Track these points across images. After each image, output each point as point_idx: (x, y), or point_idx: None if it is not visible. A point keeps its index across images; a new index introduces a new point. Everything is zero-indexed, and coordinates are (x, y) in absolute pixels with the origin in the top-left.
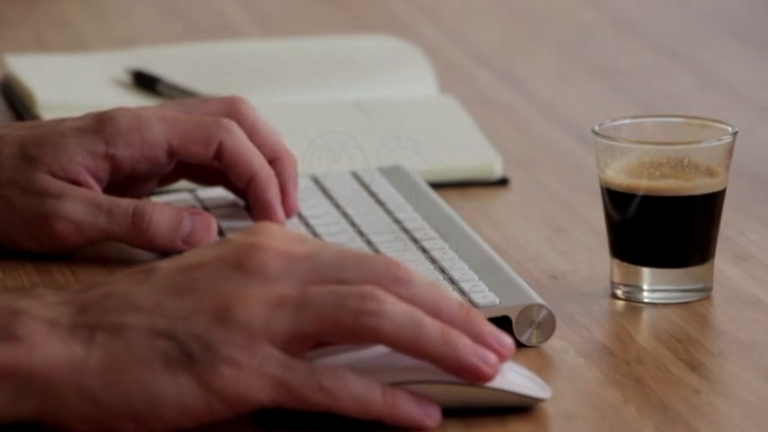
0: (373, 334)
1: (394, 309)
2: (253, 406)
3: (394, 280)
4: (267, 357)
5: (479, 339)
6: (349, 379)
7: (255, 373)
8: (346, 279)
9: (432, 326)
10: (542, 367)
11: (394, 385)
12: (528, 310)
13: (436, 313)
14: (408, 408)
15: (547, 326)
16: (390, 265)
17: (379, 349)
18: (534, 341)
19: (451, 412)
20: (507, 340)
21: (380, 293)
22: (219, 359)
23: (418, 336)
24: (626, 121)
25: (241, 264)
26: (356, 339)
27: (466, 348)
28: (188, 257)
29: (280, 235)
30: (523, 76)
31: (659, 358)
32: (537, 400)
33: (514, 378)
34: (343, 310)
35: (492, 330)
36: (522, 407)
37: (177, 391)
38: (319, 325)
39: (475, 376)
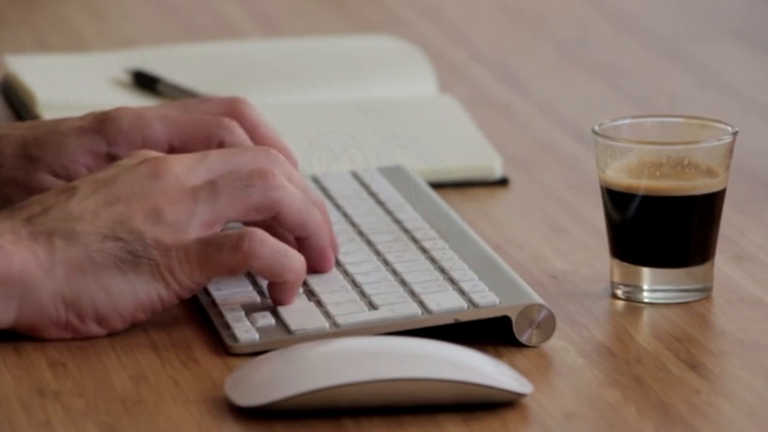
0: (278, 205)
1: (287, 183)
2: (196, 289)
3: (274, 162)
4: (191, 243)
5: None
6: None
7: (186, 260)
8: (238, 166)
9: (315, 198)
10: (542, 367)
11: (395, 381)
12: (528, 310)
13: (305, 189)
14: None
15: (547, 326)
16: (267, 151)
17: (379, 343)
18: (534, 341)
19: (451, 412)
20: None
21: (274, 170)
22: (158, 253)
23: (308, 205)
24: (626, 121)
25: (154, 173)
26: (263, 213)
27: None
28: (101, 174)
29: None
30: (523, 76)
31: (659, 358)
32: (521, 395)
33: (498, 376)
34: (252, 189)
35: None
36: (520, 406)
37: (131, 286)
38: (234, 208)
39: (329, 257)
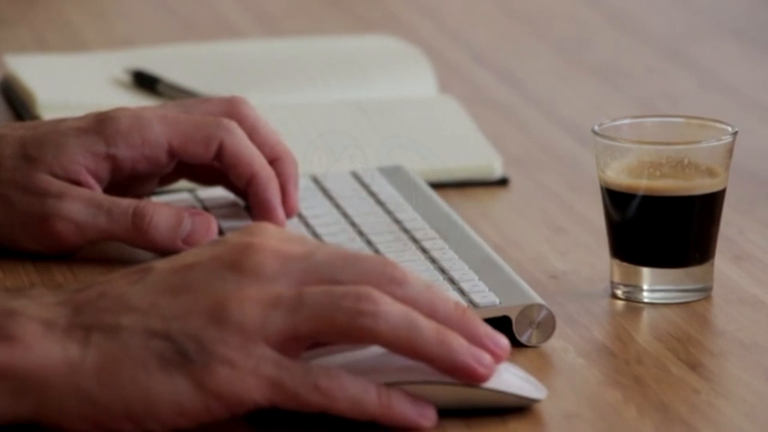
0: (369, 334)
1: (390, 309)
2: (249, 406)
3: (390, 281)
4: (262, 357)
5: (475, 339)
6: (345, 380)
7: (251, 373)
8: (342, 279)
9: (427, 327)
10: (542, 367)
11: (389, 385)
12: (528, 310)
13: (431, 313)
14: (403, 408)
15: (547, 326)
16: (385, 265)
17: (374, 350)
18: (534, 341)
19: (452, 412)
20: (503, 340)
21: (376, 293)
22: (214, 359)
23: (413, 336)
24: (626, 121)
25: (237, 264)
26: (352, 339)
27: (462, 348)
28: (183, 257)
29: (275, 236)
30: (523, 76)
31: (659, 358)
32: (533, 401)
33: (510, 379)
34: (339, 310)
35: (487, 330)
36: (520, 407)
37: (173, 391)
38: (314, 326)
39: (470, 377)
